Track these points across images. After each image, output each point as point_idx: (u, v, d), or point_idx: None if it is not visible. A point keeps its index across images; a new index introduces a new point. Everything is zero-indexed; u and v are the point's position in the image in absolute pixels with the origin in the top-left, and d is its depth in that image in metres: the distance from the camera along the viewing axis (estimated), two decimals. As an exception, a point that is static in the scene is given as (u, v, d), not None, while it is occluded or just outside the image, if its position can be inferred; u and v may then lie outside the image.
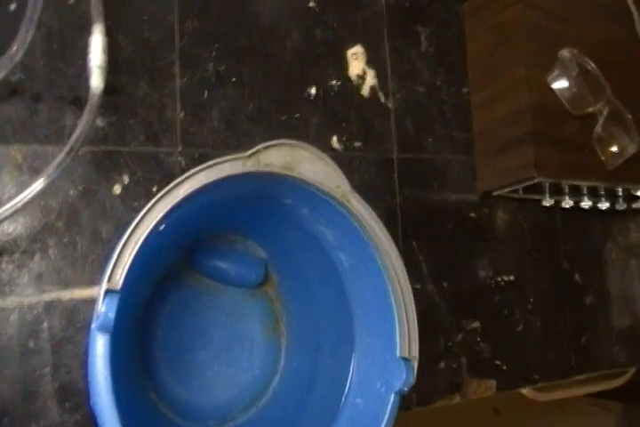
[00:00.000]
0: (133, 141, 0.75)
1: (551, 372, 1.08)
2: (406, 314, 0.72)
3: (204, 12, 0.82)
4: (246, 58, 0.84)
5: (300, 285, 0.85)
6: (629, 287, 1.21)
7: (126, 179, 0.74)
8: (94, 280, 0.71)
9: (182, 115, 0.78)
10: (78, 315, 0.71)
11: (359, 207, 0.71)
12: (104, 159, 0.73)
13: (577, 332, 1.12)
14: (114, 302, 0.57)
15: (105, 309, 0.56)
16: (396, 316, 0.71)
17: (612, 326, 1.17)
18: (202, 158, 0.78)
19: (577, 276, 1.13)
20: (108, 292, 0.57)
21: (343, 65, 0.91)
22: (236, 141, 0.81)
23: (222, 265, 0.82)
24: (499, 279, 1.03)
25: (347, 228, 0.72)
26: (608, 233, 1.19)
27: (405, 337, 0.72)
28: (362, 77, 0.92)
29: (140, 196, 0.75)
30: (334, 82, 0.90)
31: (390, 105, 0.94)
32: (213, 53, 0.81)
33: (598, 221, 1.17)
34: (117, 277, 0.57)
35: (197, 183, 0.61)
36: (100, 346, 0.56)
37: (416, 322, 0.72)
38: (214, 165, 0.63)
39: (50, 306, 0.69)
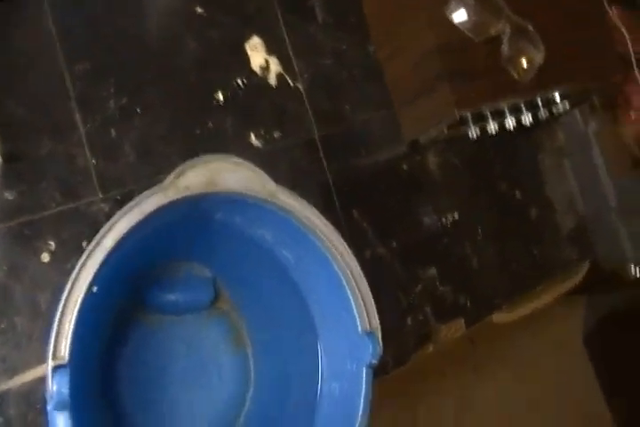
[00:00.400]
0: (51, 203, 0.72)
1: (512, 292, 1.11)
2: (359, 289, 0.73)
3: (90, 51, 0.77)
4: (146, 83, 0.80)
5: (252, 291, 0.85)
6: (567, 188, 1.22)
7: (52, 244, 0.71)
8: (44, 355, 0.69)
9: (94, 161, 0.75)
10: (36, 396, 0.69)
11: (288, 200, 0.70)
12: (23, 231, 0.70)
13: (528, 247, 1.14)
14: (64, 376, 0.56)
15: (56, 386, 0.56)
16: (350, 294, 0.72)
17: (559, 231, 1.20)
18: (125, 198, 0.75)
19: (517, 193, 1.14)
20: (55, 368, 0.56)
21: (245, 60, 0.87)
22: (156, 169, 0.78)
23: (171, 297, 0.80)
24: (444, 221, 1.04)
25: (282, 224, 0.72)
26: (537, 144, 1.19)
27: (363, 312, 0.73)
28: (266, 68, 0.88)
29: (71, 256, 0.72)
30: (239, 80, 0.86)
31: (300, 86, 0.91)
32: (112, 90, 0.77)
33: (526, 136, 1.17)
34: (62, 351, 0.57)
35: (121, 231, 0.60)
36: (62, 425, 0.56)
37: (370, 294, 0.73)
38: (135, 205, 0.61)
39: (1, 399, 0.67)
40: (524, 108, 1.04)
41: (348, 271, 0.72)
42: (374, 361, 0.73)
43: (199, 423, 0.82)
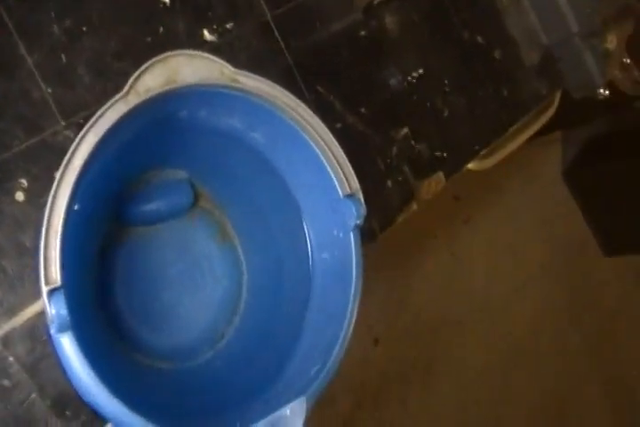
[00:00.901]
0: (14, 141, 0.70)
1: (488, 136, 1.13)
2: (333, 154, 0.74)
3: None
4: (87, 0, 0.77)
5: (230, 183, 0.87)
6: (528, 23, 1.21)
7: (24, 181, 0.70)
8: (39, 291, 0.71)
9: (50, 90, 0.73)
10: (39, 330, 0.69)
11: (249, 82, 0.70)
12: (-7, 174, 0.70)
13: (497, 88, 1.15)
14: (60, 299, 0.58)
15: (55, 309, 0.57)
16: (324, 160, 0.74)
17: (525, 67, 1.19)
18: (88, 120, 0.75)
19: (479, 38, 1.13)
20: (50, 292, 0.58)
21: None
22: (115, 86, 0.76)
23: (151, 206, 0.81)
24: (409, 79, 1.03)
25: (246, 107, 0.73)
26: (493, -16, 1.17)
27: (341, 175, 0.75)
28: (208, -43, 0.85)
29: (45, 190, 0.70)
30: (183, -23, 0.83)
31: (244, -29, 0.88)
32: (52, 14, 0.74)
33: (480, -23, 1.14)
34: (53, 275, 0.58)
35: (88, 147, 0.61)
36: (67, 347, 0.58)
37: (345, 157, 0.75)
38: (97, 119, 0.62)
39: (7, 339, 0.68)
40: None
41: (320, 139, 0.74)
42: (359, 222, 0.75)
43: (200, 322, 0.84)
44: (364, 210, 0.75)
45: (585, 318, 2.86)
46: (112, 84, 0.77)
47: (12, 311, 0.69)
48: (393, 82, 1.02)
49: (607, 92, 1.23)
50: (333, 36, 0.96)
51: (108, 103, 0.62)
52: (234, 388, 0.80)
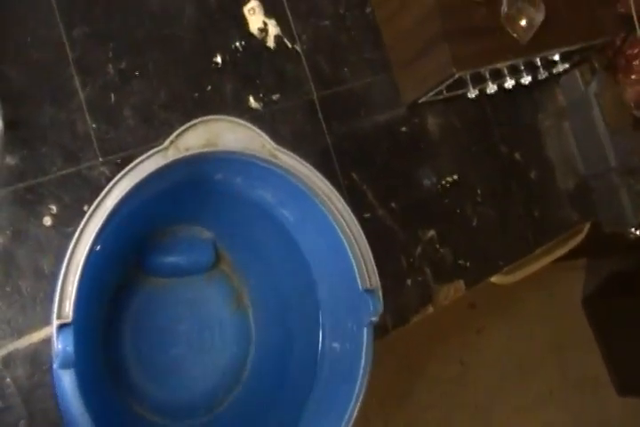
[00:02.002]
0: (52, 168, 0.72)
1: (513, 253, 1.12)
2: (358, 247, 0.73)
3: (89, 15, 0.77)
4: (145, 47, 0.80)
5: (253, 253, 0.86)
6: (567, 149, 1.22)
7: (54, 208, 0.72)
8: (49, 317, 0.70)
9: (94, 125, 0.75)
10: (42, 357, 0.70)
11: (288, 160, 0.71)
12: (26, 195, 0.71)
13: (529, 208, 1.15)
14: (69, 335, 0.56)
15: (61, 345, 0.56)
16: (349, 252, 0.73)
17: (559, 192, 1.20)
18: (125, 162, 0.75)
19: (517, 155, 1.14)
20: (60, 327, 0.57)
21: (243, 23, 0.87)
22: (156, 134, 0.78)
23: (172, 259, 0.81)
24: (443, 182, 1.04)
25: (281, 183, 0.72)
26: (537, 105, 1.19)
27: (363, 269, 0.73)
28: (264, 30, 0.88)
29: (72, 220, 0.73)
30: (238, 43, 0.86)
31: (299, 48, 0.91)
32: (110, 54, 0.77)
33: (525, 97, 1.17)
34: (66, 310, 0.57)
35: (122, 191, 0.60)
36: (68, 383, 0.57)
37: (370, 252, 0.73)
38: (135, 166, 0.62)
39: (8, 360, 0.68)
40: (523, 69, 1.04)
41: (348, 230, 0.73)
42: (374, 319, 0.73)
43: (202, 385, 0.83)
44: (381, 307, 0.73)
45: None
46: (154, 131, 0.79)
47: (18, 333, 0.69)
48: (427, 182, 1.03)
49: (638, 233, 1.23)
50: (375, 127, 0.98)
51: (148, 153, 0.62)
52: None
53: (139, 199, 0.65)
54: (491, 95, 1.02)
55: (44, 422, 0.68)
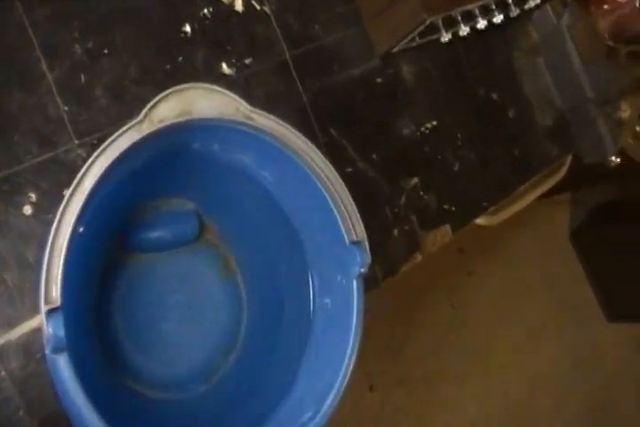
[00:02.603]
0: (27, 155, 0.71)
1: (497, 193, 1.13)
2: (341, 200, 0.74)
3: (46, -4, 0.75)
4: (111, 24, 0.78)
5: (237, 219, 0.86)
6: (543, 85, 1.22)
7: (33, 195, 0.71)
8: (38, 306, 0.70)
9: (66, 108, 0.74)
10: (34, 346, 0.69)
11: (263, 121, 0.70)
12: (2, 186, 0.70)
13: (509, 147, 1.15)
14: (58, 319, 0.57)
15: (52, 330, 0.56)
16: (333, 206, 0.73)
17: (538, 129, 1.20)
18: (102, 142, 0.73)
19: (494, 95, 1.14)
20: (49, 312, 0.57)
21: (209, -11, 0.86)
22: (130, 110, 0.77)
23: (156, 234, 0.81)
24: (422, 129, 1.04)
25: (259, 145, 0.72)
26: (510, 43, 1.18)
27: (348, 222, 0.74)
28: (231, -6, 0.87)
29: (53, 206, 0.71)
30: (206, 10, 0.84)
31: (267, 9, 0.89)
32: (75, 34, 0.75)
33: (498, 37, 1.16)
34: (54, 294, 0.57)
35: (99, 170, 0.60)
36: (63, 367, 0.57)
37: (353, 204, 0.74)
38: (110, 143, 0.62)
39: (0, 352, 0.68)
40: (494, 8, 1.03)
41: (330, 185, 0.73)
42: (363, 270, 0.74)
43: (196, 356, 0.83)
44: (368, 258, 0.74)
45: (582, 379, 2.83)
46: (127, 108, 0.78)
47: (8, 324, 0.69)
48: (406, 131, 1.03)
49: (618, 160, 1.24)
50: (350, 81, 0.97)
51: (122, 129, 0.62)
52: (223, 425, 0.78)
53: (117, 177, 0.65)
54: (464, 38, 1.01)
55: (43, 410, 0.69)
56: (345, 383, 0.71)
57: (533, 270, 2.66)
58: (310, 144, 0.73)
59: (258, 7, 0.89)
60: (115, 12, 0.79)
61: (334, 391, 0.70)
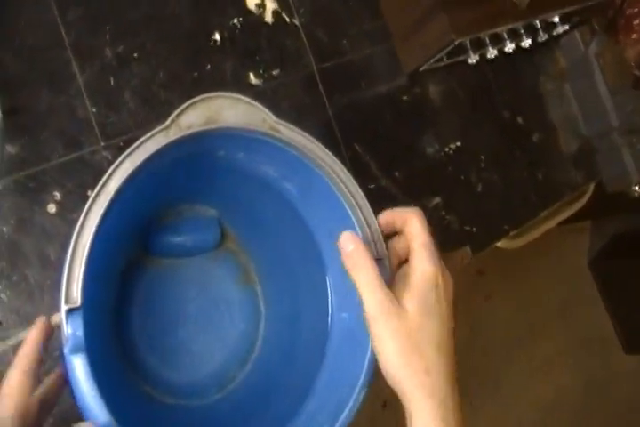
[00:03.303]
0: (53, 154, 0.72)
1: (518, 217, 1.12)
2: (364, 217, 0.73)
3: (82, -2, 0.76)
4: (141, 29, 0.79)
5: (258, 229, 0.86)
6: (569, 111, 1.22)
7: (58, 194, 0.72)
8: (58, 304, 0.70)
9: (95, 109, 0.75)
10: (52, 344, 0.68)
11: (289, 133, 0.71)
12: (29, 183, 0.71)
13: (532, 171, 1.15)
14: (78, 319, 0.57)
15: (71, 329, 0.57)
16: (355, 222, 0.72)
17: (563, 154, 1.20)
18: (128, 145, 0.74)
19: (519, 119, 1.14)
20: (69, 311, 0.57)
21: (241, 0, 0.86)
22: (157, 115, 0.79)
23: (178, 239, 0.82)
24: (447, 150, 1.04)
25: (283, 157, 0.72)
26: (538, 68, 1.18)
27: (369, 238, 0.73)
28: (261, 5, 0.87)
29: (77, 206, 0.73)
30: (235, 20, 0.85)
31: (297, 22, 0.90)
32: (107, 37, 0.77)
33: (526, 61, 1.16)
34: (74, 294, 0.57)
35: (125, 173, 0.61)
36: (78, 368, 0.57)
37: (375, 222, 0.73)
38: (137, 147, 0.62)
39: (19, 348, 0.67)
40: (522, 33, 1.03)
41: (353, 200, 0.73)
42: None
43: (212, 364, 0.83)
44: (387, 275, 0.73)
45: (599, 411, 2.78)
46: (154, 112, 0.79)
47: (27, 322, 0.70)
48: (430, 150, 1.03)
49: (641, 190, 1.23)
50: (377, 97, 0.97)
51: (150, 133, 0.63)
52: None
53: (142, 180, 0.65)
54: (491, 60, 1.01)
55: (59, 409, 0.68)
56: (361, 398, 0.70)
57: (551, 297, 2.63)
58: (335, 158, 0.73)
59: (287, 19, 0.90)
60: (146, 17, 0.80)
61: (350, 406, 0.69)
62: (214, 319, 0.84)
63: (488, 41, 1.00)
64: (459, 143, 1.05)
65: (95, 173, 0.74)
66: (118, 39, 0.78)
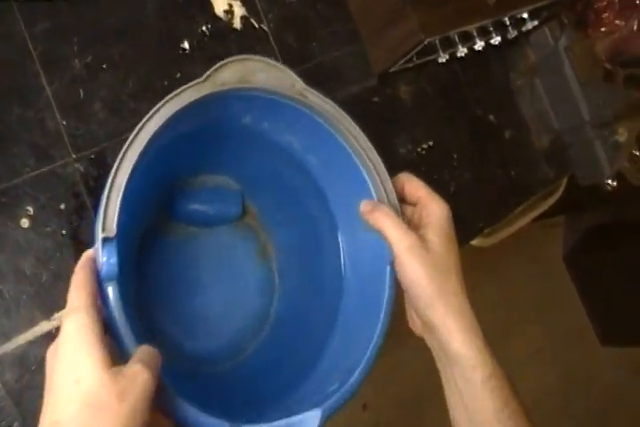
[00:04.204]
0: (25, 168, 0.71)
1: (492, 215, 1.12)
2: (385, 189, 0.76)
3: (49, 10, 0.75)
4: (110, 39, 0.78)
5: (279, 205, 0.88)
6: (540, 106, 1.22)
7: (31, 209, 0.71)
8: (34, 318, 0.70)
9: (65, 122, 0.74)
10: (29, 358, 0.70)
11: (317, 100, 0.74)
12: (1, 198, 0.70)
13: (505, 168, 1.15)
14: (112, 248, 0.59)
15: (106, 256, 0.58)
16: (374, 193, 0.75)
17: (535, 150, 1.20)
18: (99, 156, 0.75)
19: (491, 117, 1.14)
20: (105, 240, 0.58)
21: (208, 7, 0.86)
22: (127, 125, 0.77)
23: (200, 207, 0.83)
24: (419, 150, 1.04)
25: (309, 125, 0.75)
26: (508, 65, 1.19)
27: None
28: (229, 12, 0.87)
29: (50, 218, 0.72)
30: (204, 27, 0.84)
31: (265, 27, 0.89)
32: (75, 48, 0.76)
33: (496, 58, 1.16)
34: (111, 224, 0.59)
35: (163, 118, 0.63)
36: (111, 295, 0.58)
37: (394, 194, 0.76)
38: (173, 97, 0.64)
39: None
40: (492, 30, 1.03)
41: (375, 172, 0.76)
42: None
43: (226, 333, 0.85)
44: None
45: (578, 405, 2.81)
46: (125, 123, 0.78)
47: (4, 336, 0.69)
48: (402, 151, 1.03)
49: (615, 184, 1.24)
50: (347, 99, 0.97)
51: (185, 86, 0.65)
52: (251, 395, 0.78)
53: (172, 135, 0.68)
54: (461, 58, 1.02)
55: (37, 423, 0.68)
56: (371, 362, 0.71)
57: (528, 292, 2.65)
58: (359, 129, 0.76)
59: (256, 25, 0.89)
60: (114, 27, 0.79)
61: (360, 369, 0.70)
62: (230, 290, 0.86)
63: (457, 39, 1.00)
64: (431, 143, 1.05)
65: (68, 186, 0.73)
66: (86, 50, 0.77)
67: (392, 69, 1.00)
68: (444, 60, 1.00)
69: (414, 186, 0.79)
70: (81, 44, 0.76)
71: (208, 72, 0.66)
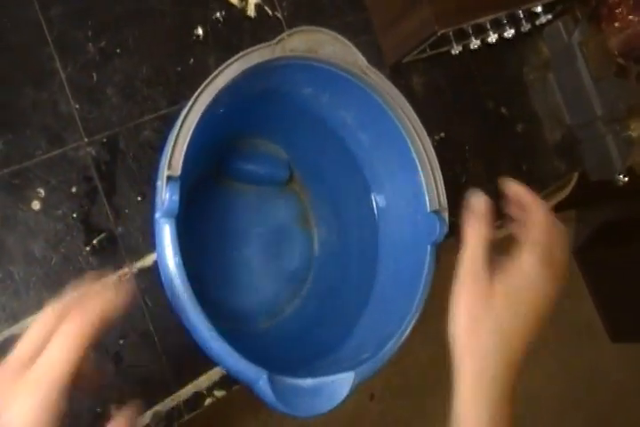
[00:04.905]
0: (37, 151, 0.72)
1: (502, 208, 1.12)
2: (432, 169, 0.79)
3: (63, -7, 0.76)
4: (124, 24, 0.79)
5: (322, 180, 0.90)
6: (553, 100, 1.22)
7: (42, 191, 0.71)
8: (43, 301, 0.70)
9: (77, 106, 0.74)
10: None
11: (377, 79, 0.75)
12: (13, 180, 0.70)
13: (516, 161, 1.15)
14: (176, 186, 0.60)
15: (169, 194, 0.59)
16: (421, 172, 0.78)
17: (547, 144, 1.20)
18: (111, 141, 0.75)
19: (503, 110, 1.14)
20: (169, 178, 0.60)
21: (222, -6, 0.86)
22: (140, 109, 0.78)
23: (251, 167, 0.86)
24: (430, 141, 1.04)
25: (367, 102, 0.77)
26: (521, 58, 1.18)
27: (433, 190, 0.80)
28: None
29: (61, 202, 0.73)
30: (218, 14, 0.85)
31: (279, 15, 0.90)
32: (89, 32, 0.76)
33: (509, 51, 1.16)
34: (177, 163, 0.60)
35: (235, 72, 0.65)
36: (169, 232, 0.60)
37: (440, 175, 0.79)
38: (244, 55, 0.66)
39: (4, 346, 0.68)
40: (506, 23, 1.03)
41: (424, 153, 0.78)
42: (439, 240, 0.79)
43: (266, 291, 0.88)
44: (446, 228, 0.79)
45: (586, 401, 2.81)
46: (138, 108, 0.78)
47: (13, 318, 0.69)
48: (414, 142, 1.02)
49: (626, 179, 1.23)
50: (360, 90, 0.96)
51: (259, 46, 0.67)
52: (287, 356, 0.80)
53: (234, 94, 0.69)
54: (474, 51, 1.01)
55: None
56: (405, 335, 0.74)
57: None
58: (414, 114, 0.78)
59: (270, 13, 0.89)
60: (128, 12, 0.79)
61: (393, 341, 0.73)
62: (274, 248, 0.88)
63: (471, 31, 1.00)
64: (442, 134, 1.05)
65: (79, 170, 0.74)
66: (101, 35, 0.77)
67: (405, 60, 1.00)
68: (457, 52, 1.00)
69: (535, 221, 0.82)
70: (95, 28, 0.77)
71: (281, 35, 0.69)
